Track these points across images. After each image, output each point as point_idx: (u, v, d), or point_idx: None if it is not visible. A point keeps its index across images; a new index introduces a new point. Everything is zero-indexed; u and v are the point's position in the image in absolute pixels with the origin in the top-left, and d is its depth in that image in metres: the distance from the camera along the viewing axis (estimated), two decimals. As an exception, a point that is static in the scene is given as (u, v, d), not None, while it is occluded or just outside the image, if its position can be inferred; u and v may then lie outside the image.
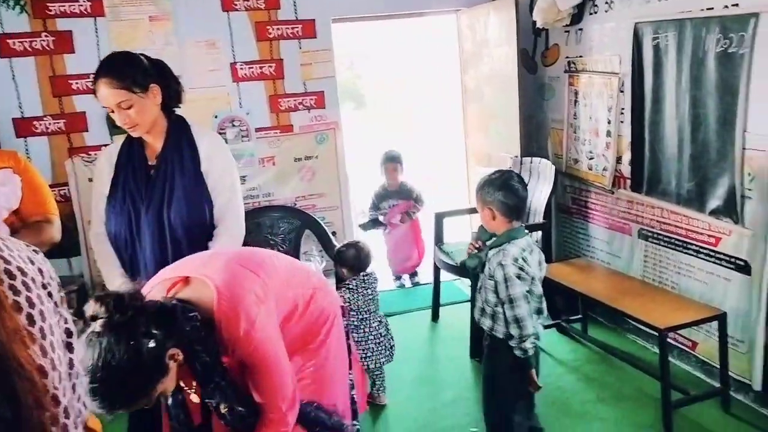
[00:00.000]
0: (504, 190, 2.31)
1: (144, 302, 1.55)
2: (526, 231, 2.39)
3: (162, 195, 2.20)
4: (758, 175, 2.77)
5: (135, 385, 1.46)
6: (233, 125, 4.10)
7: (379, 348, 3.12)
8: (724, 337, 2.94)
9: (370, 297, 3.14)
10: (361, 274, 3.15)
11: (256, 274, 1.74)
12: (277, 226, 3.99)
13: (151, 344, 1.46)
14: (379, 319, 3.18)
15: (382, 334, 3.16)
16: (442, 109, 7.35)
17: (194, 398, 1.69)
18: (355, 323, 3.08)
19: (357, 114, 11.16)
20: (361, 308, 3.10)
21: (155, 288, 1.70)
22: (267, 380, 1.68)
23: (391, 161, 4.70)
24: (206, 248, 2.19)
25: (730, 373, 2.99)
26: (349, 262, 3.18)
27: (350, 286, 3.10)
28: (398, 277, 4.90)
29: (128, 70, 2.14)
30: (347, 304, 3.06)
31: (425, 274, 4.76)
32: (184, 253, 2.12)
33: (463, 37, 4.72)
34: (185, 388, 1.69)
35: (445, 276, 4.22)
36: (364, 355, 3.09)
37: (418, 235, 4.80)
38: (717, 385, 3.05)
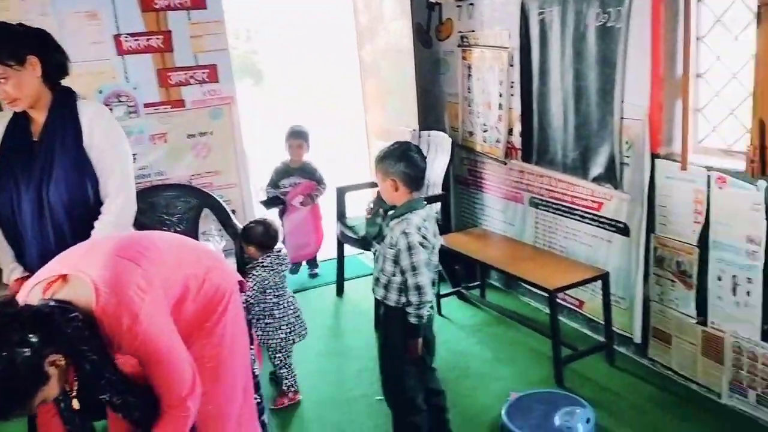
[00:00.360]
0: (405, 161, 2.33)
1: (18, 309, 1.47)
2: (425, 202, 2.44)
3: (41, 172, 2.07)
4: (634, 142, 2.97)
5: (10, 397, 1.39)
6: (120, 101, 3.89)
7: (298, 322, 3.10)
8: (607, 295, 3.16)
9: (283, 274, 3.10)
10: (274, 250, 3.09)
11: (137, 264, 1.68)
12: (173, 206, 3.83)
13: (27, 353, 1.39)
14: (291, 294, 3.16)
15: (298, 308, 3.14)
16: (342, 83, 7.32)
17: (75, 404, 1.64)
18: (274, 300, 3.02)
19: (255, 90, 10.89)
20: (277, 285, 3.04)
21: (33, 290, 1.61)
22: (161, 371, 1.65)
23: (296, 137, 4.41)
24: (91, 229, 2.08)
25: (613, 329, 3.22)
26: (257, 239, 3.06)
27: (264, 264, 3.00)
28: (295, 266, 4.57)
29: (1, 42, 1.99)
30: (265, 282, 2.99)
31: (327, 252, 4.67)
32: (65, 234, 2.01)
33: (358, 11, 4.70)
34: (69, 393, 1.63)
35: (349, 251, 4.25)
36: (288, 330, 3.05)
37: (318, 221, 4.51)
38: (602, 339, 3.28)
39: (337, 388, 3.21)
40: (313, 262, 4.64)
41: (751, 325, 2.61)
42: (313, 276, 4.60)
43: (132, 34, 3.84)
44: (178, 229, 3.70)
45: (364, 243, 3.88)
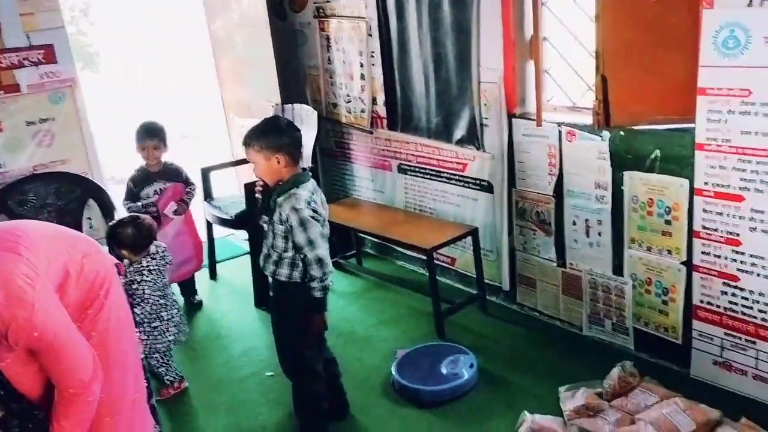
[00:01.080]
0: (287, 135, 2.30)
1: None
2: (309, 174, 2.43)
3: None
4: (492, 104, 3.17)
5: None
6: (-60, 88, 3.45)
7: (183, 320, 2.97)
8: (477, 249, 3.37)
9: (166, 272, 2.94)
10: (159, 250, 2.87)
11: (17, 254, 1.55)
12: (54, 196, 3.50)
13: None
14: (171, 290, 3.01)
15: (179, 305, 3.00)
16: (192, 61, 6.99)
17: None
18: (161, 302, 2.84)
19: (87, 75, 10.06)
20: (165, 286, 2.88)
21: None
22: (62, 358, 1.56)
23: (151, 136, 3.54)
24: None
25: (485, 280, 3.44)
26: (128, 242, 2.77)
27: (150, 268, 2.80)
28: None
29: None
30: (156, 285, 2.81)
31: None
32: None
33: (205, -16, 4.51)
34: None
35: (218, 232, 4.13)
36: (177, 331, 2.90)
37: (194, 229, 3.79)
38: (475, 291, 3.50)
39: (224, 370, 3.15)
40: (191, 287, 3.87)
41: (603, 261, 2.93)
42: (196, 304, 3.83)
43: (-53, 13, 3.41)
44: (65, 221, 3.39)
45: (235, 222, 3.80)
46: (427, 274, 3.30)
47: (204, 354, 3.30)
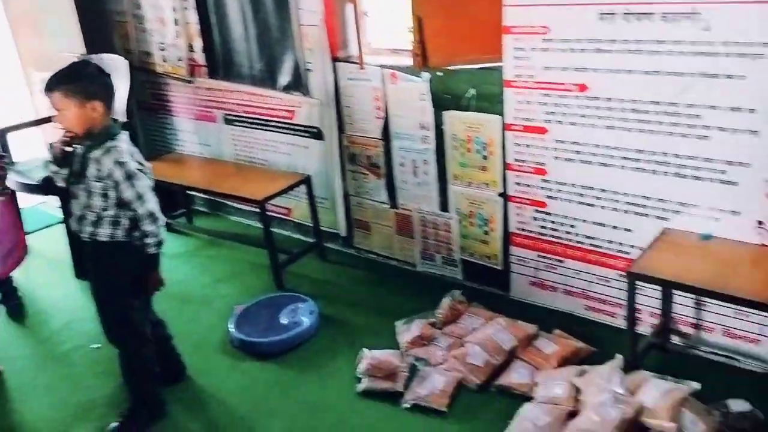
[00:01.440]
0: (101, 80, 2.10)
1: None
2: (121, 124, 2.23)
3: None
4: (315, 48, 3.11)
5: None
6: None
7: None
8: (311, 197, 3.35)
9: None
10: None
11: None
12: None
13: None
14: None
15: None
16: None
17: None
18: None
19: None
20: None
21: None
22: None
23: None
24: None
25: (321, 228, 3.45)
26: None
27: None
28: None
29: None
30: None
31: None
32: None
33: None
34: None
35: (25, 201, 3.72)
36: None
37: (16, 212, 3.18)
38: (312, 240, 3.50)
39: (45, 347, 2.91)
40: (9, 286, 3.24)
41: (431, 199, 3.05)
42: (15, 307, 3.21)
43: None
44: None
45: (44, 188, 3.42)
46: (263, 226, 3.23)
47: (20, 332, 3.01)
